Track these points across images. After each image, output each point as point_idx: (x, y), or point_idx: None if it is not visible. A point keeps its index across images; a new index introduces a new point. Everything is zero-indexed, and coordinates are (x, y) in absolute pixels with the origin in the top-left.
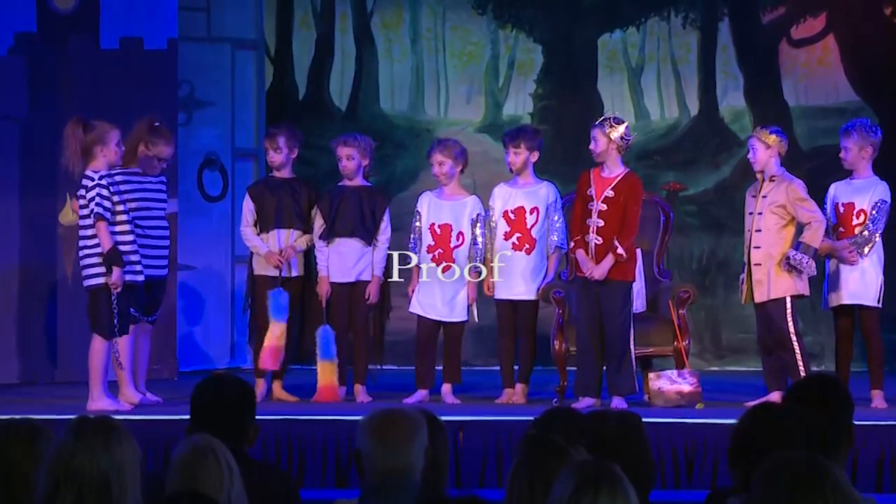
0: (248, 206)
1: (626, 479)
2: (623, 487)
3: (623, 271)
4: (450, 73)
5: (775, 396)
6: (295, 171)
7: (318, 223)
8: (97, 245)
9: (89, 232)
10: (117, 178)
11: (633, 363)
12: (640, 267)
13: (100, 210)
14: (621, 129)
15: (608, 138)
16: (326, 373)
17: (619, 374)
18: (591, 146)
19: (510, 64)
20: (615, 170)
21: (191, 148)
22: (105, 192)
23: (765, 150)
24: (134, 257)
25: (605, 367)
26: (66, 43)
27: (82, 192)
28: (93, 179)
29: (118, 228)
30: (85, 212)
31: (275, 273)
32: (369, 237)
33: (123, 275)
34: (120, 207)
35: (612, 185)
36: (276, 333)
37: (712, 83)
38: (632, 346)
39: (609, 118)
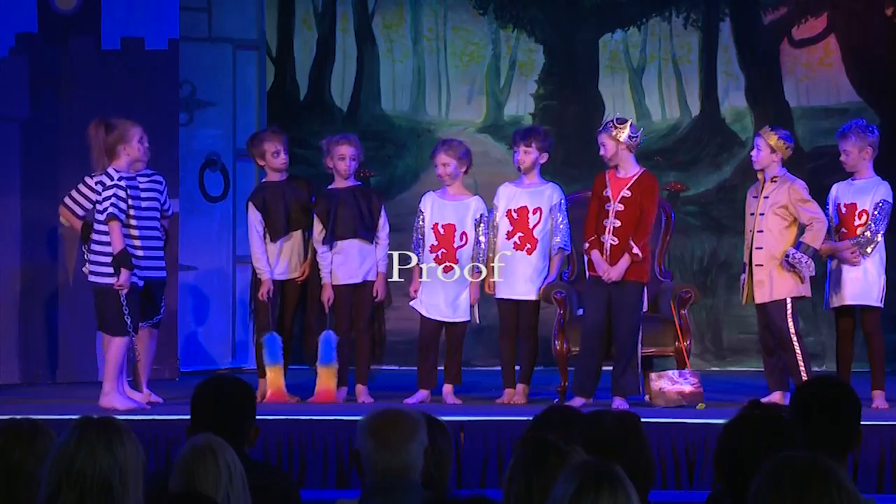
0: (255, 218)
1: (627, 480)
2: (624, 488)
3: (638, 272)
4: (451, 74)
5: (776, 397)
6: (290, 171)
7: (318, 228)
8: (109, 244)
9: (103, 228)
10: (136, 183)
11: (639, 365)
12: None
13: (115, 211)
14: (627, 129)
15: (616, 141)
16: (324, 378)
17: (624, 375)
18: (601, 152)
19: (511, 64)
20: (631, 170)
21: (192, 148)
22: (122, 194)
23: (768, 153)
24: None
25: (608, 367)
26: (68, 43)
27: (99, 188)
28: (112, 178)
29: (128, 232)
30: (99, 207)
31: (279, 277)
32: (371, 236)
33: (131, 277)
34: (132, 212)
35: (629, 184)
36: (273, 378)
37: (713, 83)
38: (639, 349)
39: (612, 120)
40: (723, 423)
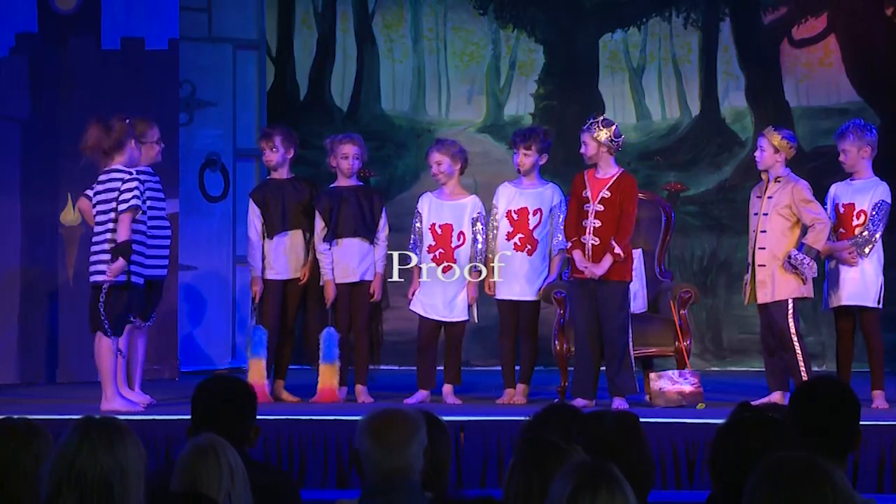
0: (254, 212)
1: (624, 480)
2: (622, 488)
3: (621, 271)
4: (451, 74)
5: (777, 396)
6: (294, 171)
7: (319, 226)
8: (111, 241)
9: (104, 227)
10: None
11: (633, 363)
12: (640, 267)
13: (137, 202)
14: (609, 131)
15: (597, 141)
16: (327, 376)
17: (620, 374)
18: (582, 150)
19: (511, 64)
20: (609, 170)
21: (192, 148)
22: (141, 188)
23: (772, 153)
24: (141, 259)
25: (604, 368)
26: (68, 43)
27: (118, 184)
28: (130, 174)
29: (136, 227)
30: (104, 207)
31: (279, 277)
32: (371, 236)
33: (125, 268)
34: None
35: (608, 185)
36: (255, 370)
37: (713, 83)
38: (630, 347)
39: (597, 121)
40: (715, 427)
